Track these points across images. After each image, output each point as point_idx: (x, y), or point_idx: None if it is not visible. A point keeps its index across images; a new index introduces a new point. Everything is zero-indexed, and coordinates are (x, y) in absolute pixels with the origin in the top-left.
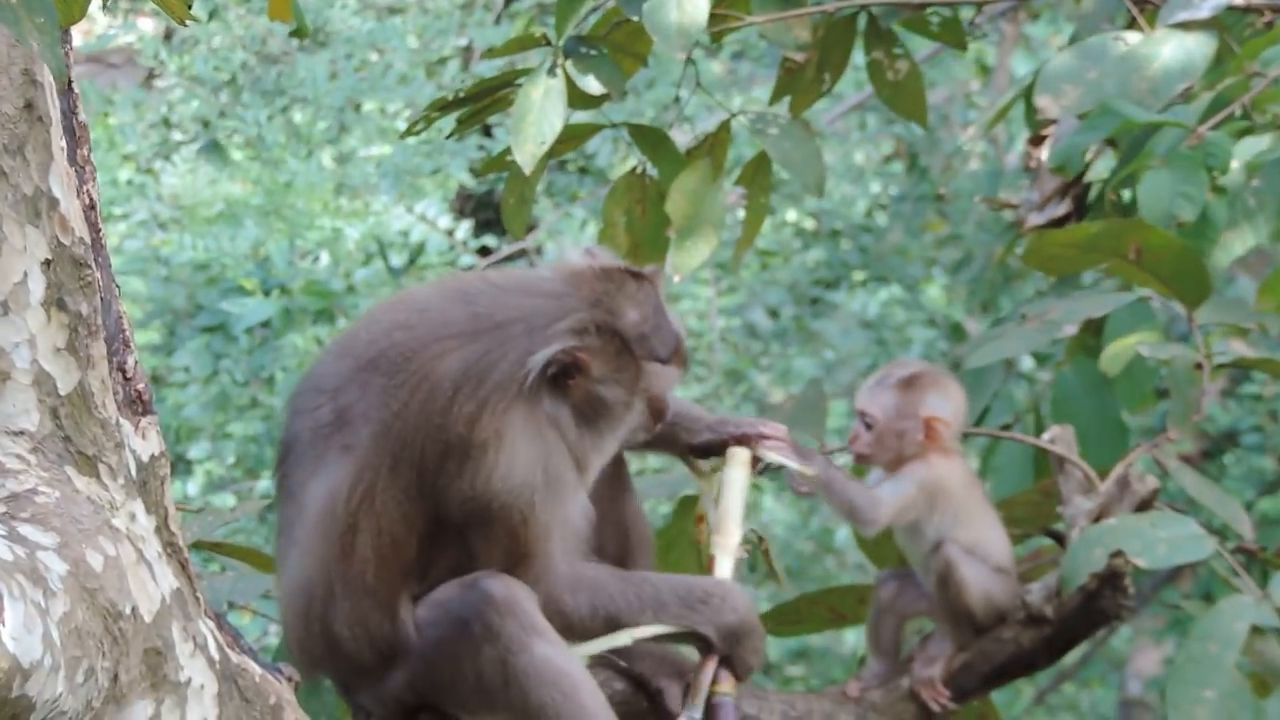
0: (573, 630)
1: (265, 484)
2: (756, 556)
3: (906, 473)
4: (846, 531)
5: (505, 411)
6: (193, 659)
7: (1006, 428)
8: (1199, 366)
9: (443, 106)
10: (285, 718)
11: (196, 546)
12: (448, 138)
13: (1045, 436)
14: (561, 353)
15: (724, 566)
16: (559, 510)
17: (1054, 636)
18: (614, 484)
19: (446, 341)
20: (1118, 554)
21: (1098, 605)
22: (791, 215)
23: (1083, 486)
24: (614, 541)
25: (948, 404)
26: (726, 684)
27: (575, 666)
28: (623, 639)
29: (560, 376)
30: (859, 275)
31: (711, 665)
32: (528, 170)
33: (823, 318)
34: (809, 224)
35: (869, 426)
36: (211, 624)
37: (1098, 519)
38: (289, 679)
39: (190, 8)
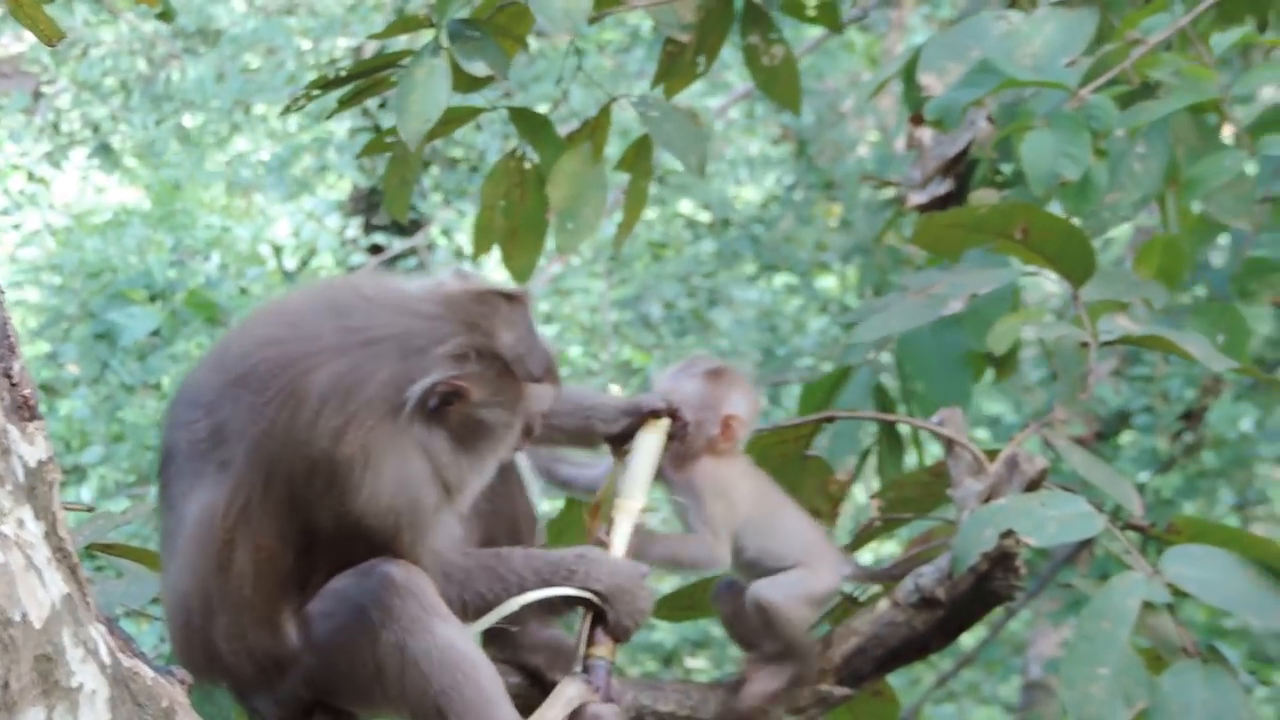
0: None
1: (155, 490)
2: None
3: (695, 481)
4: None
5: (371, 430)
6: (84, 664)
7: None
8: (1085, 345)
9: (324, 85)
10: None
11: (88, 550)
12: (327, 118)
13: (934, 419)
14: (442, 383)
15: (622, 530)
16: (427, 532)
17: (947, 619)
18: (503, 474)
19: (315, 357)
20: (1008, 534)
21: (990, 586)
22: (685, 207)
23: (972, 468)
24: (503, 533)
25: (745, 405)
26: (604, 647)
27: (475, 650)
28: (512, 607)
29: (438, 405)
30: (750, 266)
31: (586, 626)
32: (412, 146)
33: (717, 307)
34: (704, 216)
35: None
36: (103, 629)
37: (987, 500)
38: (182, 682)
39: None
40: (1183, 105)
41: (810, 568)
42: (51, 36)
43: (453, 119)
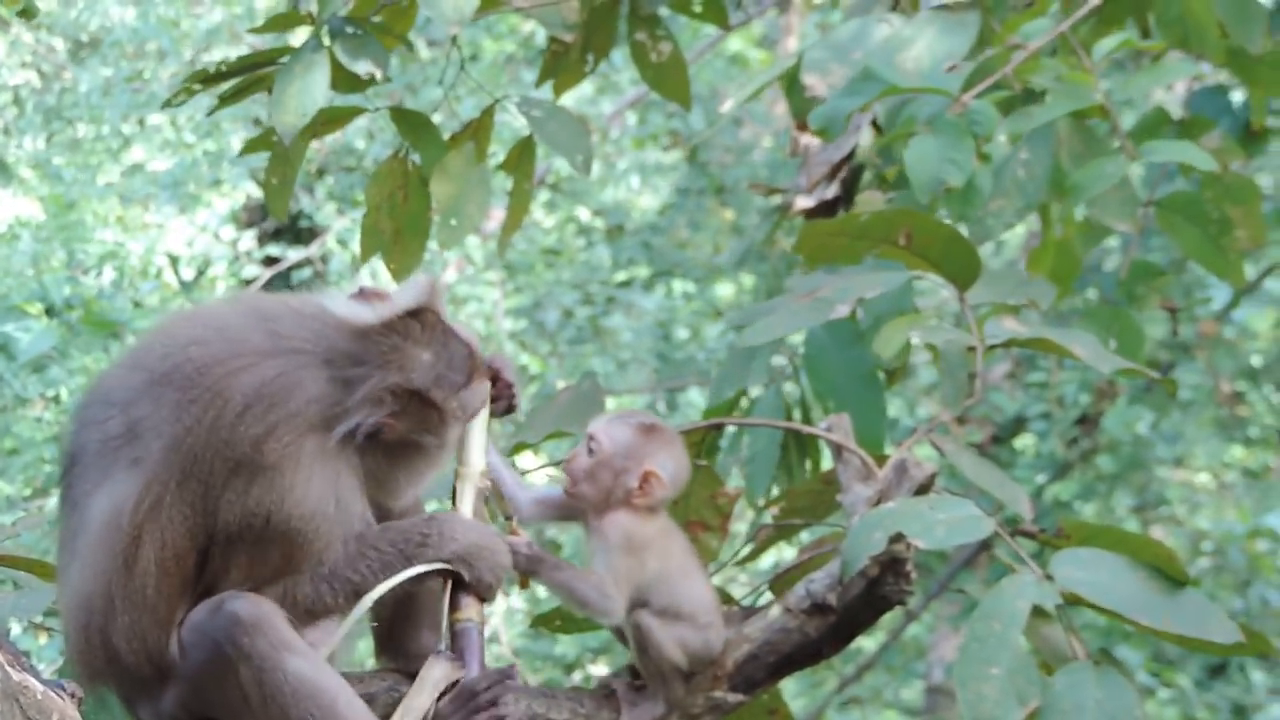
0: (331, 615)
1: (54, 503)
2: (494, 508)
3: (608, 532)
4: None
5: (295, 441)
6: None
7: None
8: (972, 349)
9: (204, 79)
10: None
11: None
12: (209, 114)
13: (822, 425)
14: (364, 426)
15: (466, 496)
16: (339, 530)
17: (839, 624)
18: None
19: (241, 358)
20: (898, 538)
21: (880, 592)
22: (584, 215)
23: (861, 473)
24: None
25: (671, 466)
26: (472, 609)
27: (329, 678)
28: (366, 603)
29: (366, 438)
30: (644, 272)
31: (447, 594)
32: (287, 140)
33: (613, 315)
34: (598, 222)
35: (591, 452)
36: None
37: (877, 504)
38: (72, 695)
39: None
40: (1064, 111)
41: (703, 630)
42: None
43: (334, 118)
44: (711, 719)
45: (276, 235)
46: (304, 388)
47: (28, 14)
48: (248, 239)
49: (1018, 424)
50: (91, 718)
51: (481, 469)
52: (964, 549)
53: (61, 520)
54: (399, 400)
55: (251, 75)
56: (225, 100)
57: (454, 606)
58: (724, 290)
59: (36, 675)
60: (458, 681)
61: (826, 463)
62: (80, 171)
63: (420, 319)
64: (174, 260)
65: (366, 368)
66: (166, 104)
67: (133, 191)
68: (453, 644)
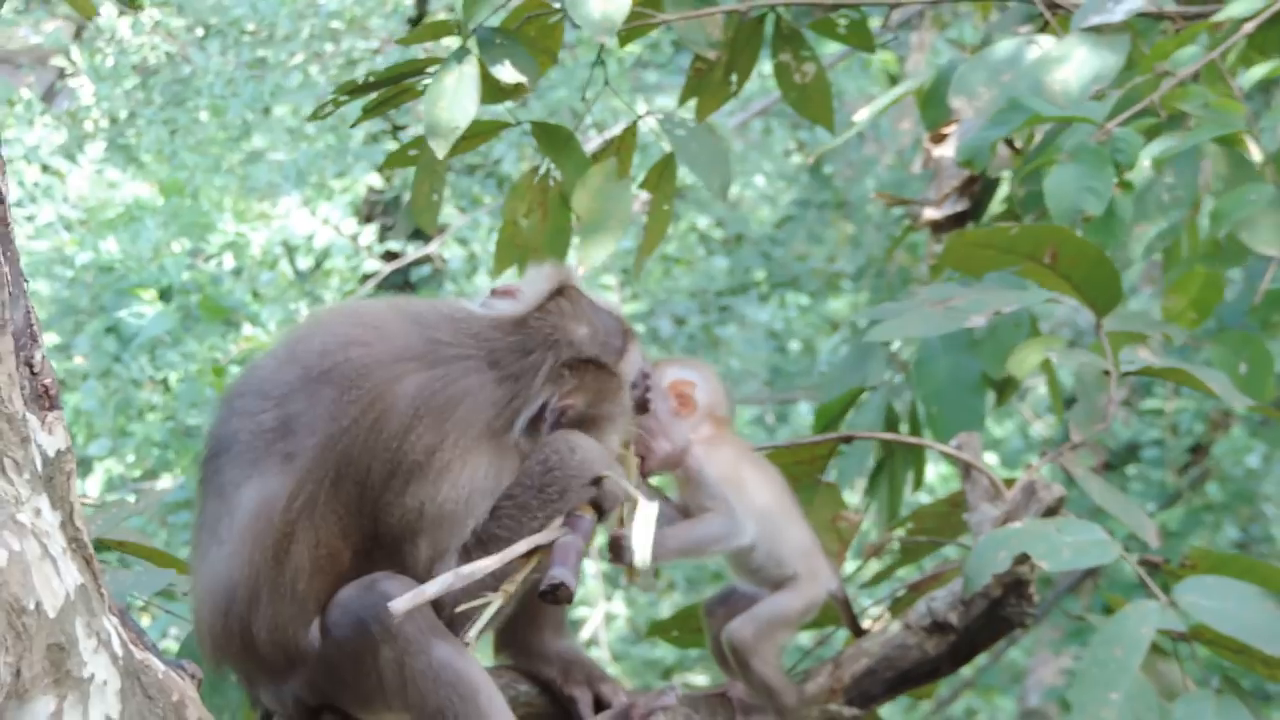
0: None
1: (164, 484)
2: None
3: (694, 474)
4: None
5: (469, 448)
6: (96, 655)
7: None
8: (1107, 374)
9: (351, 90)
10: (188, 715)
11: (98, 543)
12: (353, 126)
13: (952, 443)
14: (552, 408)
15: (641, 527)
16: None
17: (959, 644)
18: None
19: (405, 364)
20: (1022, 559)
21: (1002, 612)
22: (702, 222)
23: (989, 494)
24: None
25: (692, 372)
26: (587, 509)
27: (474, 668)
28: (492, 563)
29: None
30: (763, 284)
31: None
32: (440, 154)
33: (727, 324)
34: (717, 232)
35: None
36: (115, 620)
37: (1003, 525)
38: (192, 676)
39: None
40: (1211, 136)
41: (803, 581)
42: (87, 11)
43: (478, 132)
44: None
45: (395, 230)
46: (474, 394)
47: (136, 4)
48: (369, 233)
49: (1130, 451)
50: (207, 699)
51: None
52: (1069, 575)
53: (201, 505)
54: (576, 374)
55: (398, 85)
56: (370, 111)
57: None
58: (838, 305)
59: (158, 654)
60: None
61: (931, 476)
62: (202, 158)
63: (566, 296)
64: (290, 250)
65: (534, 355)
66: (314, 116)
67: (254, 180)
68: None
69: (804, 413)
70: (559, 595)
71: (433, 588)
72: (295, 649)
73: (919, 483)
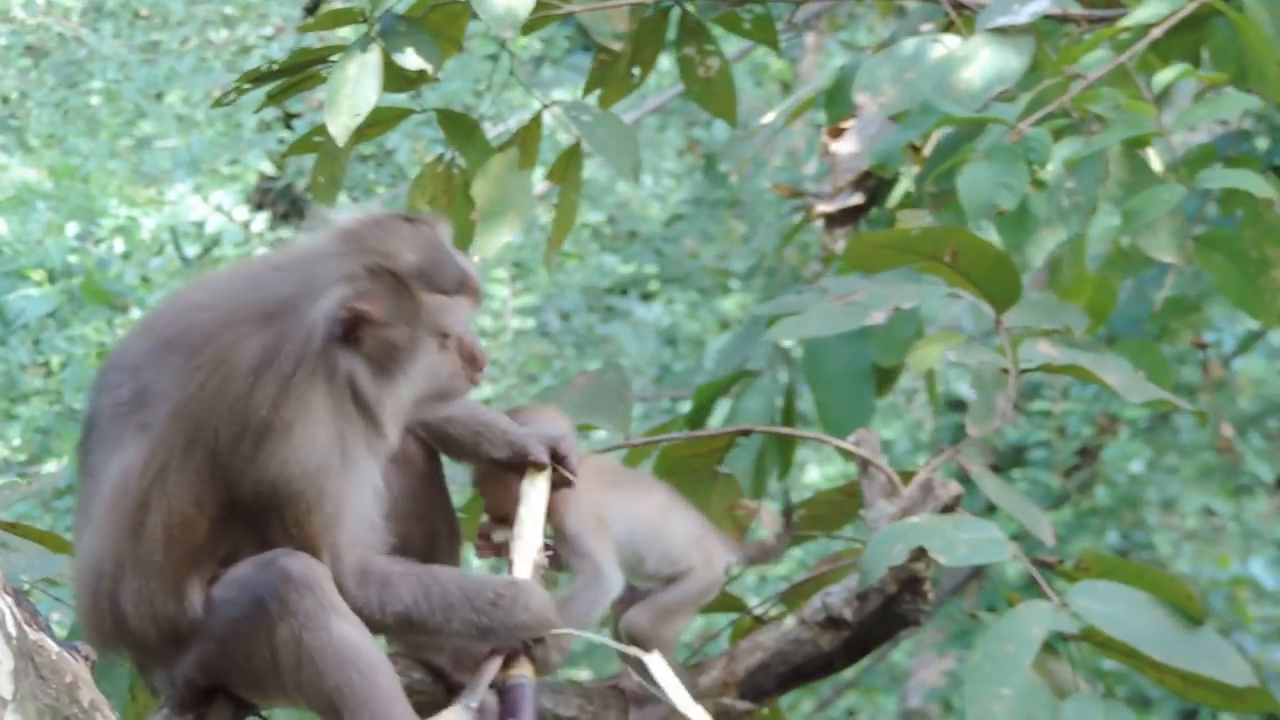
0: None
1: (50, 469)
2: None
3: (557, 522)
4: None
5: (306, 392)
6: None
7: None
8: (1005, 371)
9: (255, 78)
10: (81, 695)
11: None
12: (257, 111)
13: (850, 439)
14: (341, 308)
15: (523, 562)
16: (350, 495)
17: (853, 639)
18: (425, 477)
19: (243, 326)
20: (918, 555)
21: (897, 609)
22: (594, 218)
23: (886, 490)
24: (420, 535)
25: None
26: (525, 668)
27: (373, 647)
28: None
29: (348, 332)
30: (653, 282)
31: (497, 661)
32: (341, 142)
33: (614, 322)
34: (609, 229)
35: None
36: (9, 600)
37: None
38: (86, 658)
39: None
40: (1123, 138)
41: (698, 569)
42: None
43: (381, 120)
44: None
45: (286, 218)
46: (299, 334)
47: None
48: (260, 220)
49: (1017, 453)
50: (99, 683)
51: (539, 545)
52: (955, 576)
53: (78, 486)
54: (375, 279)
55: (302, 72)
56: (273, 98)
57: (506, 665)
58: (728, 304)
59: (52, 635)
60: None
61: (816, 476)
62: (93, 142)
63: (414, 225)
64: (175, 238)
65: (346, 258)
66: (218, 103)
67: (147, 166)
68: (503, 699)
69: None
70: None
71: None
72: (166, 624)
73: (784, 472)
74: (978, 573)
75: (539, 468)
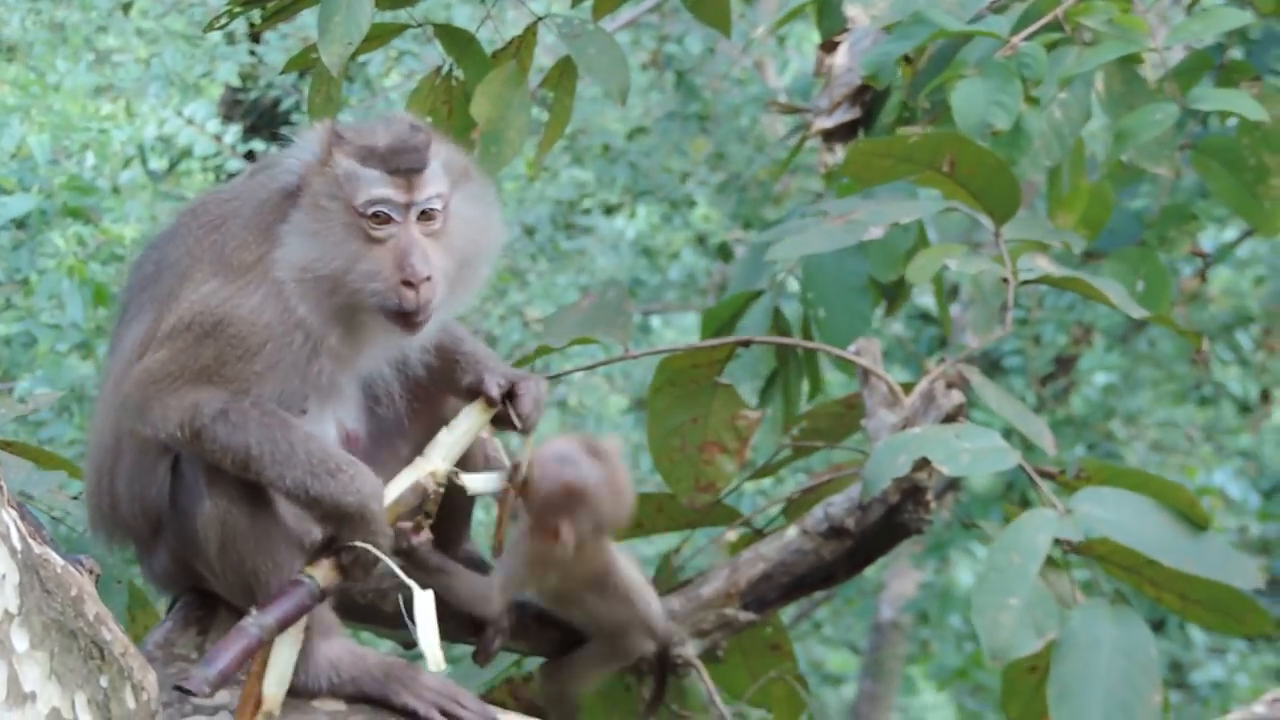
0: (204, 456)
1: (25, 385)
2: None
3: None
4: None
5: (254, 239)
6: None
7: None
8: (1005, 281)
9: (247, 2)
10: (85, 609)
11: None
12: (222, 28)
13: (851, 349)
14: (294, 172)
15: (400, 482)
16: (278, 379)
17: (855, 549)
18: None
19: (240, 200)
20: (921, 465)
21: (899, 519)
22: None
23: (887, 400)
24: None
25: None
26: (322, 570)
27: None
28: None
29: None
30: (617, 196)
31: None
32: (334, 71)
33: (581, 237)
34: (583, 140)
35: None
36: (14, 514)
37: (902, 431)
38: (90, 571)
39: None
40: (1117, 54)
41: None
42: None
43: (376, 35)
44: (721, 636)
45: (256, 130)
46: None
47: None
48: (232, 132)
49: (992, 362)
50: (103, 596)
51: (432, 469)
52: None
53: (104, 367)
54: (321, 145)
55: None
56: (267, 21)
57: (310, 560)
58: (697, 217)
59: (56, 549)
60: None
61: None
62: (61, 58)
63: (400, 120)
64: (141, 151)
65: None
66: (210, 27)
67: (116, 79)
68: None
69: (666, 321)
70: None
71: None
72: (150, 506)
73: (814, 391)
74: (953, 484)
75: (489, 402)
